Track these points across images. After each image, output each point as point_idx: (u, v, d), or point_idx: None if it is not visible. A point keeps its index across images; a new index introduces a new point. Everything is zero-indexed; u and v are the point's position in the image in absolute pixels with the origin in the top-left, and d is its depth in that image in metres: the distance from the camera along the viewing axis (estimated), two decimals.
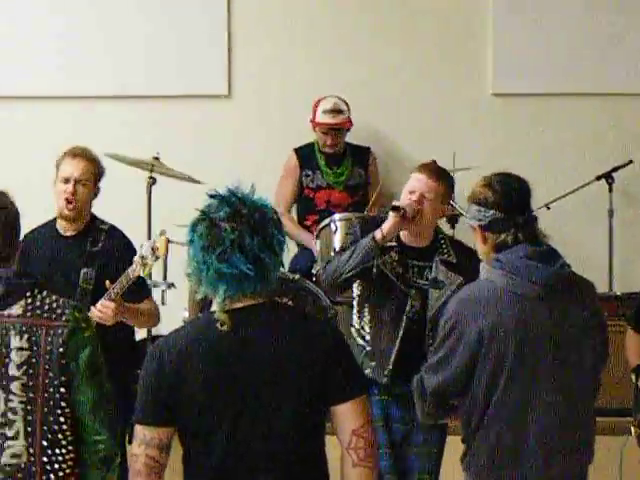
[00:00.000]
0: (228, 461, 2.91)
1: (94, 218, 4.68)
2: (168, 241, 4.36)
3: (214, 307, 2.92)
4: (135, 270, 4.32)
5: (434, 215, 4.31)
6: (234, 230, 2.84)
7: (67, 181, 4.58)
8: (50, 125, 6.03)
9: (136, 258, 4.34)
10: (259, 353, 2.89)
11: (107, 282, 4.36)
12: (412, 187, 4.28)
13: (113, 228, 4.73)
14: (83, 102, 6.68)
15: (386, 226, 4.26)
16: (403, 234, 4.31)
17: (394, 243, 4.32)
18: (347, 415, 2.91)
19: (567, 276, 3.45)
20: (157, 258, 4.30)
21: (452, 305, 3.53)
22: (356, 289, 4.48)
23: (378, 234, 4.26)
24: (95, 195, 4.69)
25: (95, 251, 4.61)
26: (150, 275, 4.64)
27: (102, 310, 4.31)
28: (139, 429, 2.91)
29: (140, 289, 4.57)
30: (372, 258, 4.28)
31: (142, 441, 2.92)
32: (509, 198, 3.45)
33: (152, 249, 4.32)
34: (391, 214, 4.28)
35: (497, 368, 3.38)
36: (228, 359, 2.88)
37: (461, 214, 5.67)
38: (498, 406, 3.42)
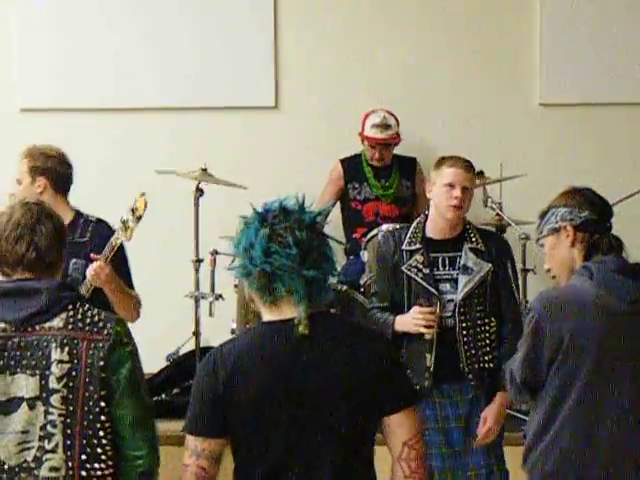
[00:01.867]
0: (281, 468, 2.96)
1: (79, 214, 4.75)
2: (146, 202, 4.42)
3: (265, 318, 3.00)
4: (118, 237, 4.41)
5: (470, 203, 4.52)
6: (318, 237, 2.97)
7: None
8: (99, 136, 6.10)
9: (118, 225, 4.39)
10: (316, 361, 2.95)
11: (92, 255, 4.46)
12: (451, 181, 4.39)
13: (99, 220, 4.79)
14: (132, 114, 6.83)
15: (405, 328, 4.49)
16: (432, 230, 4.47)
17: (419, 245, 4.45)
18: (398, 426, 2.95)
19: None
20: (138, 218, 4.36)
21: (537, 303, 3.55)
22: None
23: (397, 327, 4.51)
24: (47, 189, 4.69)
25: (82, 241, 4.67)
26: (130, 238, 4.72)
27: (97, 270, 4.42)
28: (191, 440, 2.95)
29: (125, 278, 4.69)
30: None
31: (193, 452, 2.95)
32: (601, 202, 3.51)
33: (132, 210, 4.35)
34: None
35: (572, 374, 3.43)
36: (286, 367, 2.94)
37: (509, 224, 5.74)
38: (570, 411, 3.45)
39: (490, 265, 4.48)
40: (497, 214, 5.76)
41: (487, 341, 4.51)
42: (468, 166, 4.51)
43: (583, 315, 3.40)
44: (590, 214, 3.44)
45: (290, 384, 2.90)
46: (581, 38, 6.70)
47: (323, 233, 3.03)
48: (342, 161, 6.37)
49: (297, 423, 2.91)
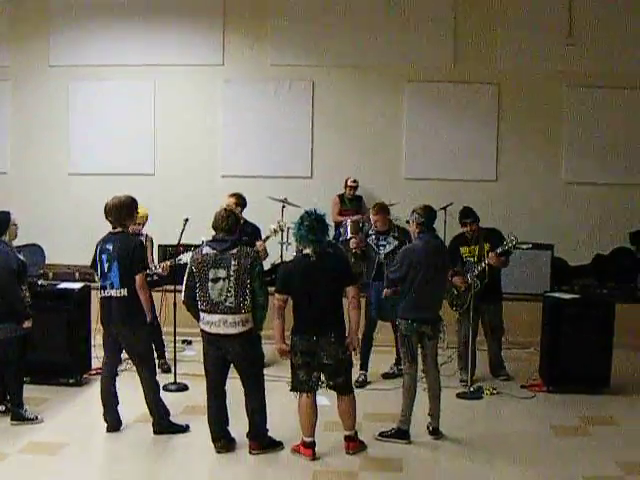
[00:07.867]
0: (310, 311, 3.99)
1: (245, 221, 5.78)
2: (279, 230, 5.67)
3: (305, 252, 4.00)
4: (270, 234, 5.54)
5: (383, 223, 5.63)
6: (320, 223, 3.95)
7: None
8: (260, 193, 7.50)
9: (272, 227, 5.58)
10: (322, 268, 3.96)
11: (258, 242, 5.55)
12: (373, 218, 5.67)
13: (245, 222, 5.73)
14: (279, 179, 8.37)
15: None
16: (378, 228, 5.58)
17: (373, 232, 5.64)
18: (350, 291, 4.12)
19: (440, 242, 4.64)
20: (274, 233, 5.67)
21: (403, 250, 4.55)
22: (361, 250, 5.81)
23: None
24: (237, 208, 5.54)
25: (246, 231, 5.62)
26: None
27: (263, 247, 5.50)
28: (277, 294, 4.07)
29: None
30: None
31: (278, 299, 4.06)
32: (428, 214, 4.56)
33: (275, 231, 5.57)
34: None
35: (416, 274, 4.39)
36: (311, 270, 3.95)
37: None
38: (415, 287, 4.41)
39: (397, 243, 5.29)
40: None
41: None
42: (377, 210, 5.48)
43: (418, 253, 4.44)
44: (420, 218, 4.47)
45: (311, 276, 3.93)
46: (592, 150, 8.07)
47: (324, 221, 3.98)
48: (339, 195, 8.44)
49: (314, 291, 3.93)
